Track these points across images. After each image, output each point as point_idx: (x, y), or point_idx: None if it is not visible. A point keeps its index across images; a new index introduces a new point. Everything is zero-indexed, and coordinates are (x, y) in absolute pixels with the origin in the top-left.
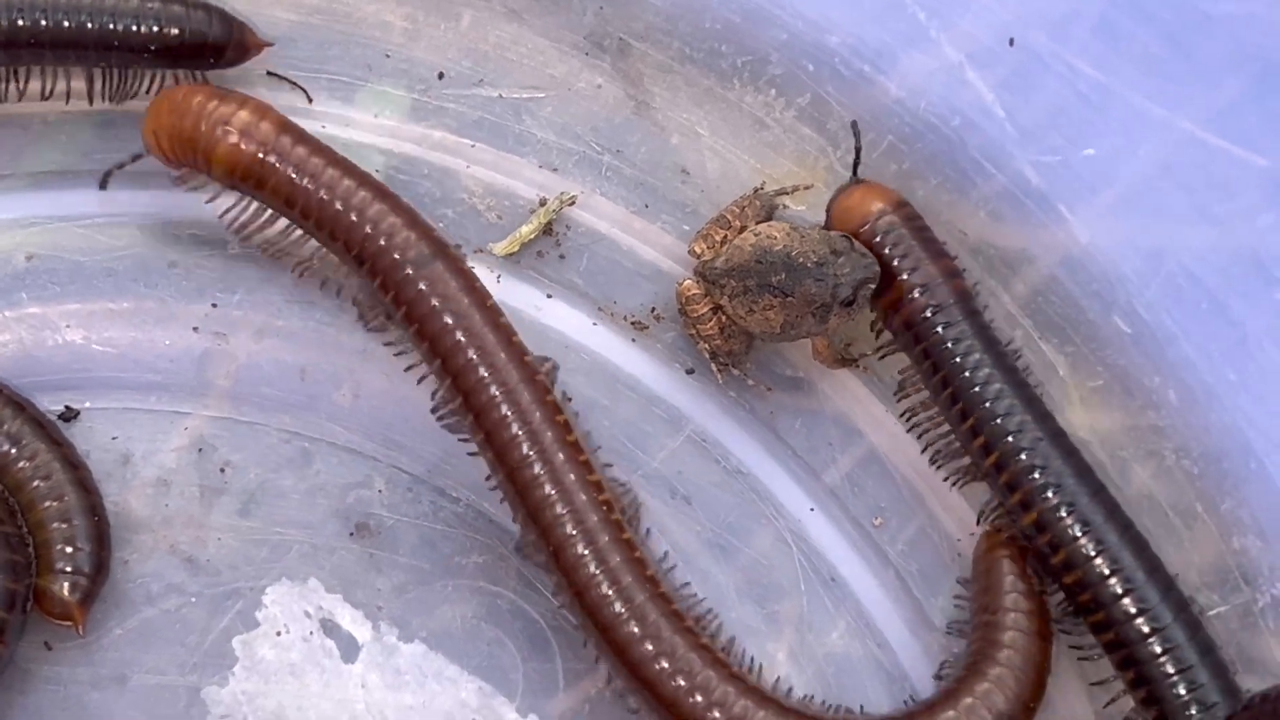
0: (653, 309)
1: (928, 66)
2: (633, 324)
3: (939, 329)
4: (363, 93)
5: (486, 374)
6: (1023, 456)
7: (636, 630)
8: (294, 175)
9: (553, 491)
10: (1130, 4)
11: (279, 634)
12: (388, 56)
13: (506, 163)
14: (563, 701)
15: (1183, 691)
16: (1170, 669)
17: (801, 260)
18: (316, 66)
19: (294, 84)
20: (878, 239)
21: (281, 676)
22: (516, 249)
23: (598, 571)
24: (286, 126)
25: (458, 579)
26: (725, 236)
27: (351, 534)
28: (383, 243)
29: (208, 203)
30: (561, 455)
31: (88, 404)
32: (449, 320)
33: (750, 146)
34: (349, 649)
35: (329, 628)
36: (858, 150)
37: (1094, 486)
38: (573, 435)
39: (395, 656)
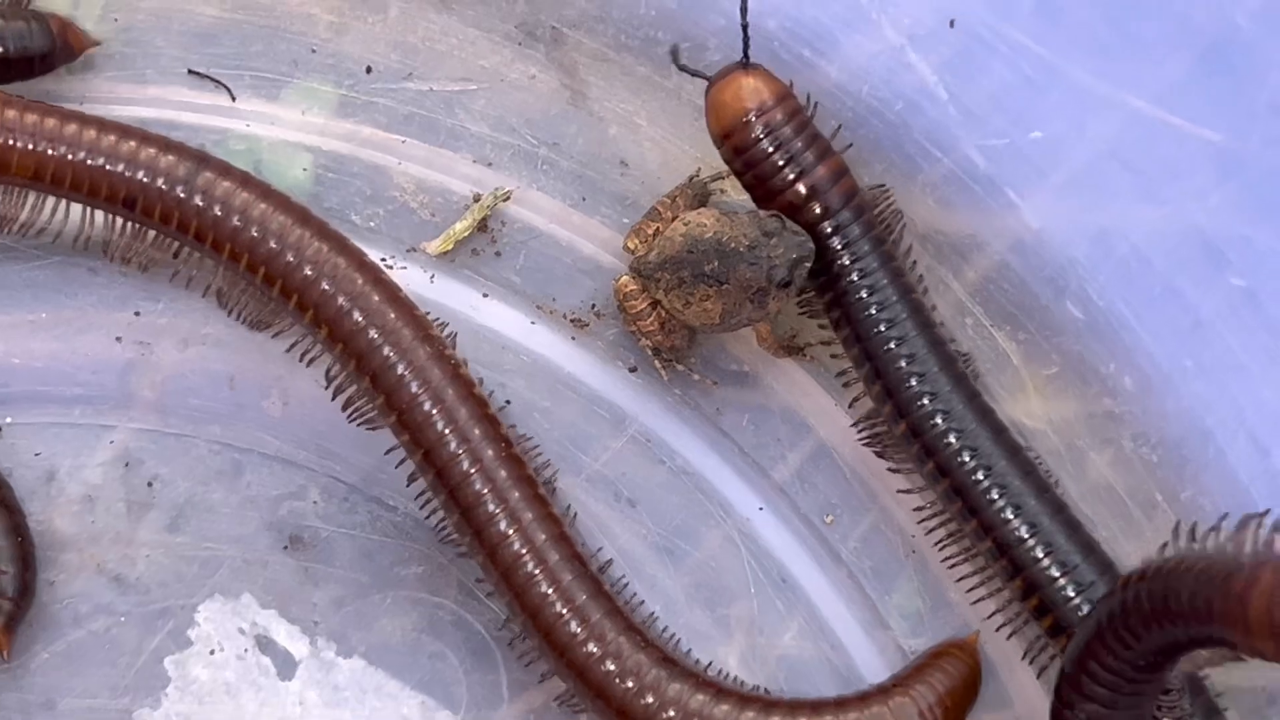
0: (593, 306)
1: (869, 49)
2: (572, 322)
3: (834, 241)
4: (288, 90)
5: (276, 245)
6: (914, 383)
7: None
8: (31, 145)
9: (446, 430)
10: None
11: (212, 653)
12: (313, 51)
13: (439, 158)
14: (507, 714)
15: (1055, 572)
16: (1040, 553)
17: (733, 245)
18: (239, 63)
19: (217, 82)
20: (757, 139)
21: (216, 696)
22: (451, 247)
23: (497, 510)
24: (6, 101)
25: (397, 590)
26: (658, 230)
27: (285, 547)
28: (143, 175)
29: None
30: (433, 364)
31: (9, 419)
32: (237, 221)
33: (691, 135)
34: (285, 666)
35: (264, 645)
36: (744, 26)
37: (970, 392)
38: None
39: (334, 673)
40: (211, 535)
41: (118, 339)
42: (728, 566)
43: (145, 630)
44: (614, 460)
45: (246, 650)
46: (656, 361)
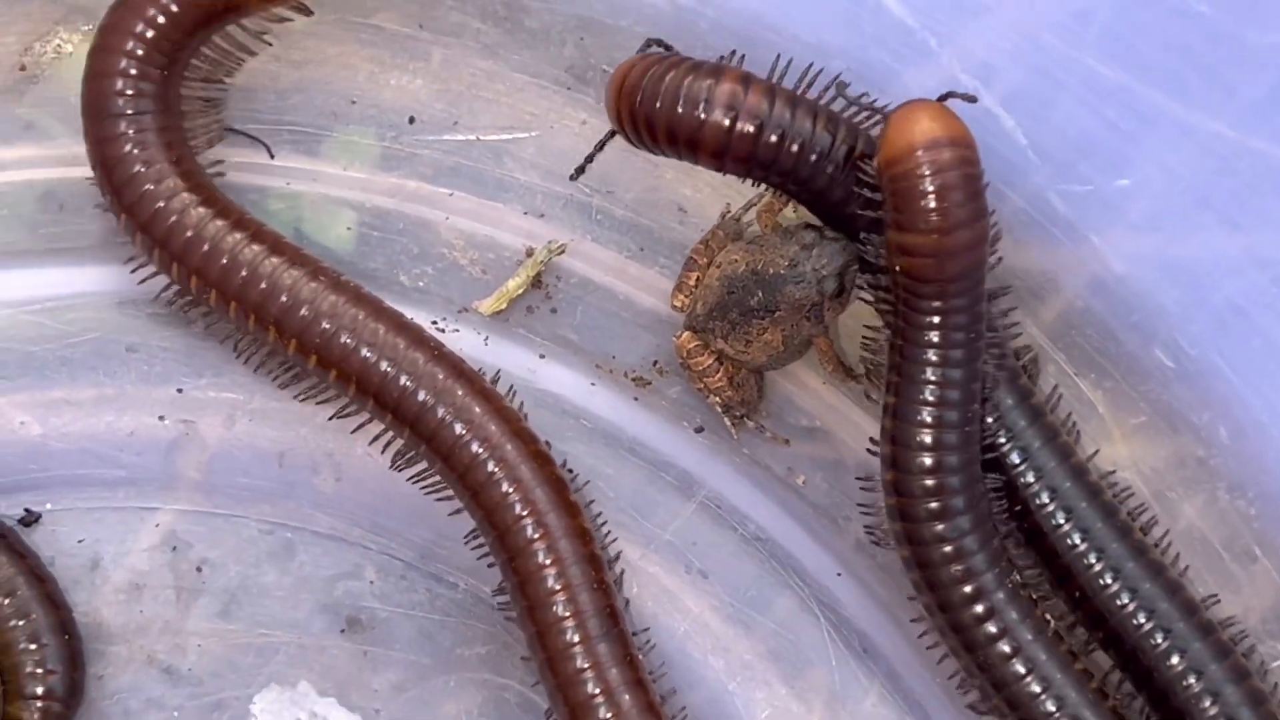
0: (654, 362)
1: (937, 89)
2: (634, 380)
3: None
4: (329, 143)
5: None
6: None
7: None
8: None
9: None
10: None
11: None
12: (353, 102)
13: (488, 211)
14: None
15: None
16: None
17: (771, 270)
18: (276, 117)
19: (254, 138)
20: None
21: None
22: (505, 306)
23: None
24: None
25: (460, 672)
26: (698, 278)
27: (343, 630)
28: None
29: None
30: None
31: (49, 505)
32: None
33: None
34: None
35: None
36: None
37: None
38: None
39: None
40: (265, 620)
41: (160, 417)
42: (804, 636)
43: None
44: (683, 529)
45: None
46: (727, 419)
